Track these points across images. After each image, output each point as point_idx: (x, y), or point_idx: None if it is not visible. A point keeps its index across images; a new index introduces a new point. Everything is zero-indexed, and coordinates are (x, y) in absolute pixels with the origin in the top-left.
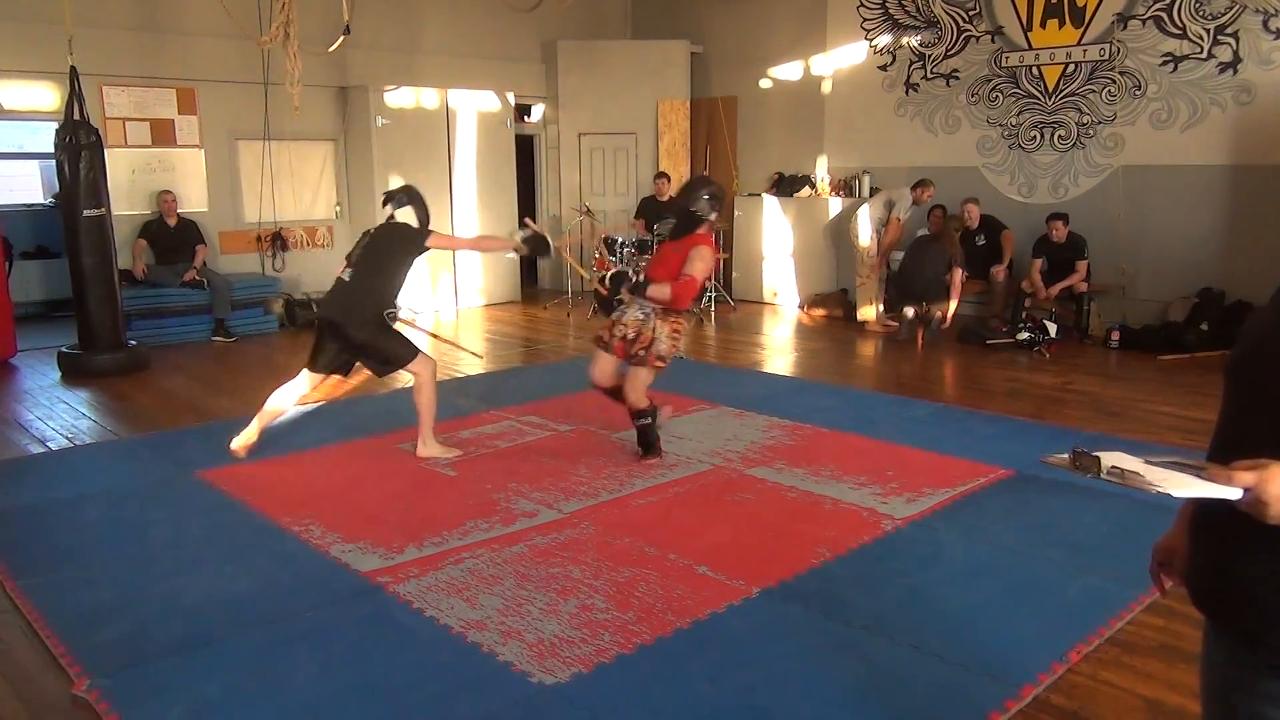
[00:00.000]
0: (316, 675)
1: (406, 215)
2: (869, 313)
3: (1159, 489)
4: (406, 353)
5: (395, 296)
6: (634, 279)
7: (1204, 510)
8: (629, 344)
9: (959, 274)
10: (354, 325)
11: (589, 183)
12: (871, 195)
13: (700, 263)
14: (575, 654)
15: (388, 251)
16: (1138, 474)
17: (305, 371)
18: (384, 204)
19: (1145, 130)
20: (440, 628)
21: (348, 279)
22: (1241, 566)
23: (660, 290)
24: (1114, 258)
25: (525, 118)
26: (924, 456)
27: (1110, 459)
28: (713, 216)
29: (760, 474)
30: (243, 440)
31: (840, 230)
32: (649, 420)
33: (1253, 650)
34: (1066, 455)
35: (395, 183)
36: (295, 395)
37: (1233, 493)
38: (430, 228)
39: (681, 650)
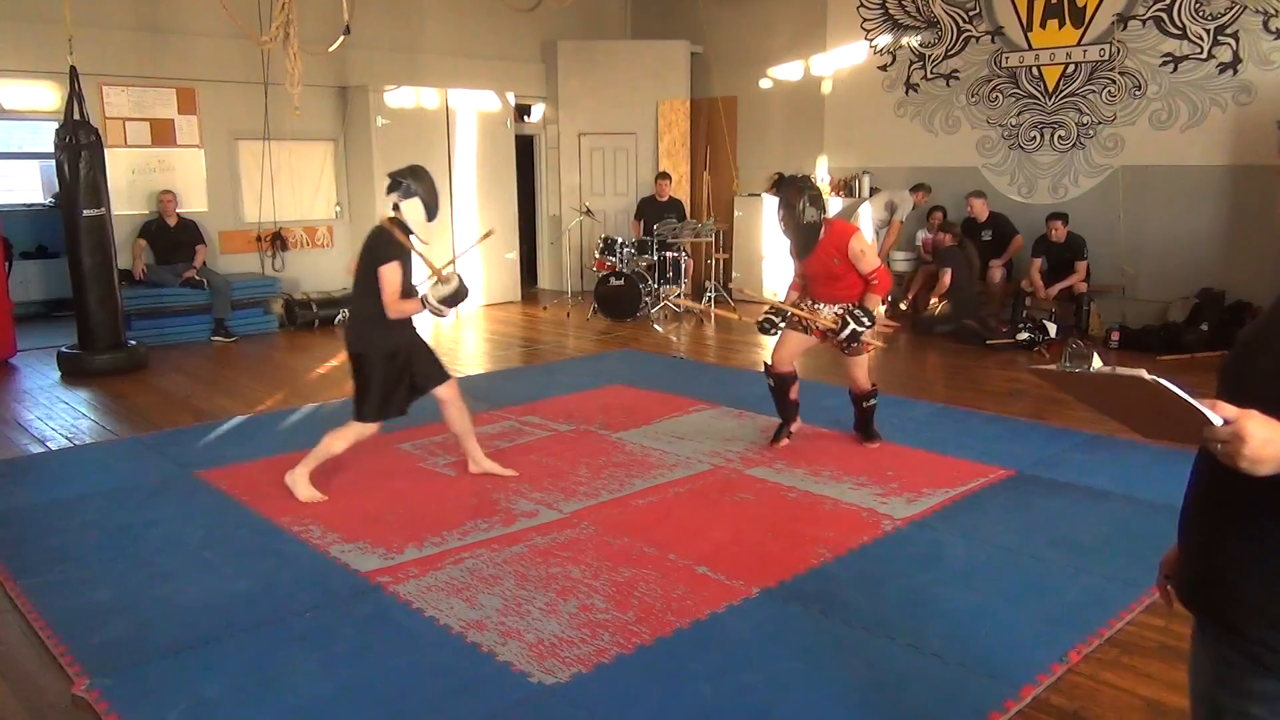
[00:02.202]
0: (316, 675)
1: (413, 207)
2: None
3: (1151, 378)
4: (368, 409)
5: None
6: (860, 323)
7: (1189, 503)
8: (833, 335)
9: (948, 275)
10: (361, 357)
11: (589, 183)
12: (871, 196)
13: (868, 252)
14: (575, 654)
15: (366, 268)
16: (1129, 367)
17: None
18: (388, 191)
19: (1145, 130)
20: (440, 628)
21: (350, 301)
22: (1222, 556)
23: (871, 301)
24: (1114, 258)
25: (525, 118)
26: (924, 456)
27: (1100, 362)
28: (826, 215)
29: (760, 474)
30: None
31: None
32: (875, 401)
33: (1234, 644)
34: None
35: None
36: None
37: (1215, 418)
38: (394, 261)
39: (681, 650)
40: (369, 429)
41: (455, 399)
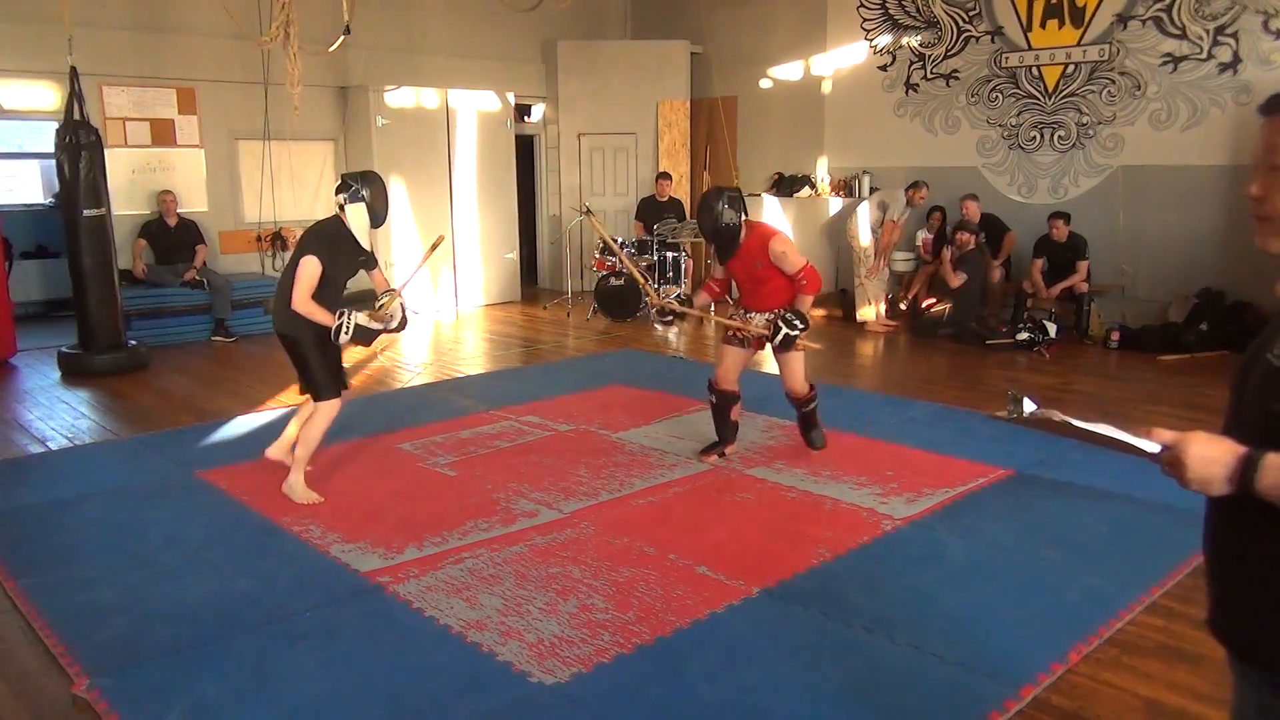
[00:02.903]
0: (316, 675)
1: (358, 212)
2: (868, 313)
3: (1063, 418)
4: (323, 387)
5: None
6: (786, 324)
7: (1206, 524)
8: (769, 341)
9: (962, 278)
10: (291, 337)
11: (589, 183)
12: (871, 195)
13: (789, 253)
14: (575, 654)
15: (296, 253)
16: (1053, 412)
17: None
18: (336, 191)
19: (1145, 130)
20: (440, 628)
21: (280, 281)
22: (1234, 578)
23: (804, 303)
24: (1114, 258)
25: (525, 118)
26: (924, 456)
27: (1032, 405)
28: (745, 216)
29: (760, 474)
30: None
31: (836, 231)
32: (814, 405)
33: (1248, 663)
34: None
35: (396, 183)
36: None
37: (1151, 447)
38: (310, 255)
39: (681, 650)
40: (336, 405)
41: None
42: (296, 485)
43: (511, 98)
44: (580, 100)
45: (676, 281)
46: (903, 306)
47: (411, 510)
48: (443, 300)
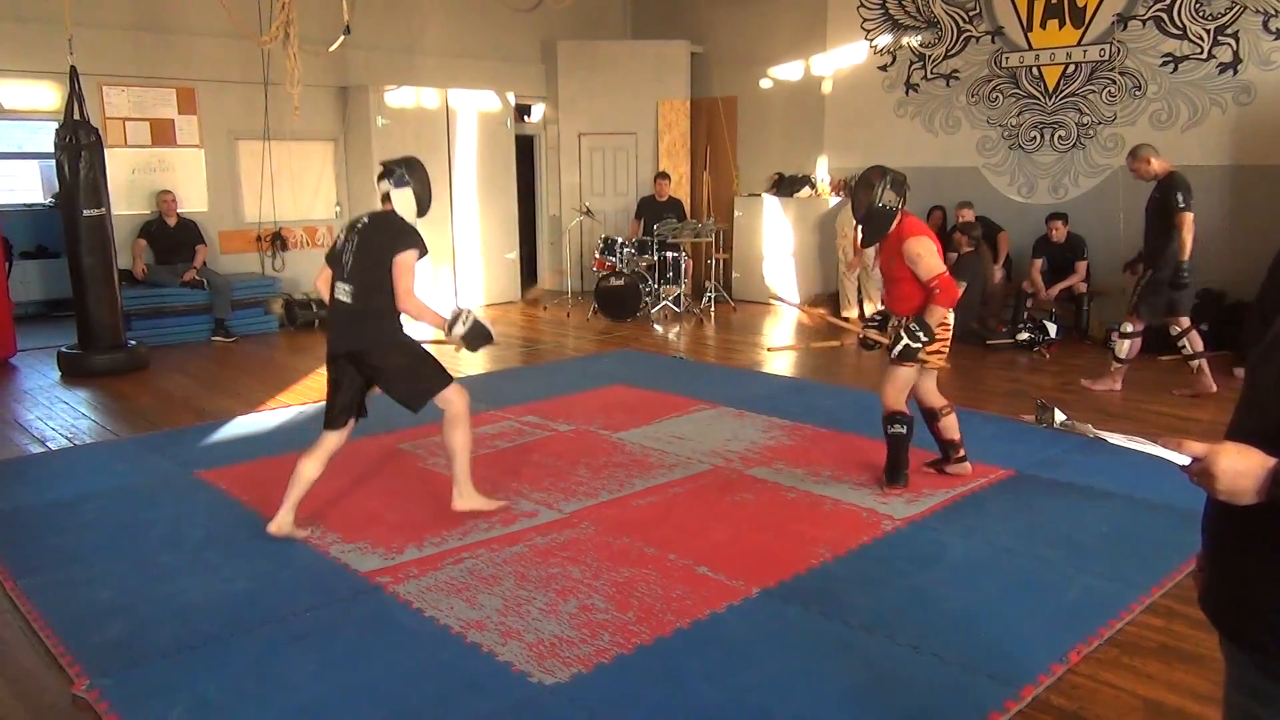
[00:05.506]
0: (316, 675)
1: (404, 198)
2: (852, 313)
3: (1095, 433)
4: (437, 380)
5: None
6: (909, 335)
7: (1206, 515)
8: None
9: (961, 288)
10: (375, 353)
11: (589, 183)
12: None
13: (925, 256)
14: (575, 654)
15: (377, 257)
16: (1085, 424)
17: (325, 433)
18: (379, 178)
19: (1145, 130)
20: (440, 628)
21: (348, 300)
22: (1232, 567)
23: (933, 314)
24: (1114, 258)
25: (525, 118)
26: (924, 456)
27: (1062, 415)
28: (903, 206)
29: (760, 474)
30: (281, 527)
31: (832, 230)
32: (903, 429)
33: (1236, 644)
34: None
35: None
36: (325, 457)
37: (1180, 459)
38: (407, 248)
39: (681, 650)
40: (460, 396)
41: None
42: (474, 499)
43: (511, 98)
44: (580, 100)
45: (676, 282)
46: None
47: (411, 510)
48: (443, 300)
